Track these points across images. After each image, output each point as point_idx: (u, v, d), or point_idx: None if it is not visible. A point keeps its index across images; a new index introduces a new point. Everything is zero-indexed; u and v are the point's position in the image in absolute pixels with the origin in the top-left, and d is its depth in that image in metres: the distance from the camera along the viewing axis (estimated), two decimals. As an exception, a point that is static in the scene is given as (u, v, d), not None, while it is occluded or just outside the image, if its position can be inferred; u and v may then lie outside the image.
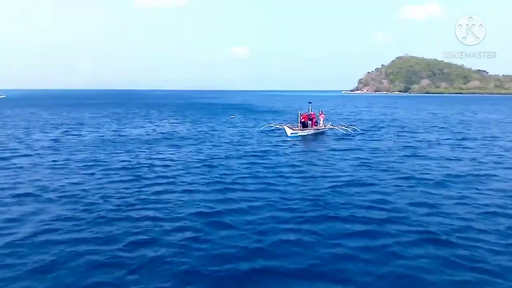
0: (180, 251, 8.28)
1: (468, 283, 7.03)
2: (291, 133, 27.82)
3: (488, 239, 8.91)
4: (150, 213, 10.64)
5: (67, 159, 18.39)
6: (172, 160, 18.53)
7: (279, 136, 28.20)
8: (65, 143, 24.02)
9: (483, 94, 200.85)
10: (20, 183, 13.89)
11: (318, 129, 30.07)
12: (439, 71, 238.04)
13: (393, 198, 12.30)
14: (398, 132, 32.35)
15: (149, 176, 15.12)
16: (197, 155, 19.89)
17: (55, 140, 25.12)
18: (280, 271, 7.44)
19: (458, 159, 19.08)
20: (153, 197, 12.25)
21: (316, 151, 22.20)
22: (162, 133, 30.34)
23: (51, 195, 12.33)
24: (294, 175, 15.55)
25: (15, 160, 18.09)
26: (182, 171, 15.99)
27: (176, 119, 46.03)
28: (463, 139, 27.44)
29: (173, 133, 30.49)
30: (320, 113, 31.95)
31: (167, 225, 9.77)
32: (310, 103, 31.89)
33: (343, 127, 31.30)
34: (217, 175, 15.26)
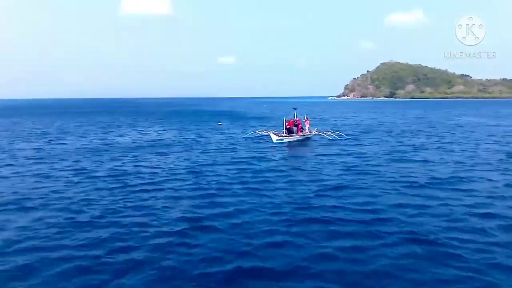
0: (167, 256, 8.23)
1: (451, 281, 7.17)
2: (277, 140, 27.64)
3: (470, 238, 9.11)
4: (136, 219, 10.55)
5: (52, 168, 18.12)
6: (159, 167, 18.41)
7: (266, 142, 28.25)
8: (50, 152, 23.67)
9: (467, 98, 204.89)
10: (1, 192, 13.61)
11: (304, 135, 30.05)
12: (423, 76, 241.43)
13: (379, 200, 12.47)
14: (383, 136, 32.74)
15: (135, 182, 15.00)
16: (184, 162, 19.81)
17: (39, 150, 24.72)
18: (268, 273, 7.47)
19: (442, 162, 19.42)
20: (139, 203, 12.16)
21: (302, 157, 22.33)
22: (148, 141, 30.11)
23: (35, 203, 12.13)
24: (280, 179, 15.61)
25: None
26: (169, 178, 15.91)
27: (163, 126, 45.81)
28: (447, 142, 27.95)
29: (160, 140, 30.30)
30: (306, 119, 31.99)
31: (153, 230, 9.71)
32: (295, 109, 31.64)
33: (329, 132, 31.36)
34: (204, 181, 15.23)
